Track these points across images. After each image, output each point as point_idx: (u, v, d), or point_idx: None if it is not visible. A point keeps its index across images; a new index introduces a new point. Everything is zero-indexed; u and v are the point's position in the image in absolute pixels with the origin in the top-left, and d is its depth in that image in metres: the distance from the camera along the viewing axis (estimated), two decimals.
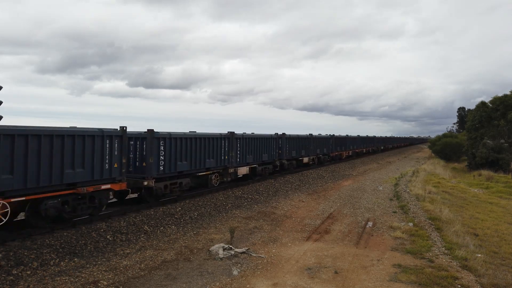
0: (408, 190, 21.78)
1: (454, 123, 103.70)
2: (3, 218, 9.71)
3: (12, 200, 9.99)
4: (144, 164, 14.84)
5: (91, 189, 12.00)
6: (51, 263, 9.42)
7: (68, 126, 12.18)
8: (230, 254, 10.15)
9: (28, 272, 8.79)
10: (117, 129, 13.21)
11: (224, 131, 20.74)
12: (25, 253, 9.50)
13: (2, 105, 9.45)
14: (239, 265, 9.57)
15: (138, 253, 10.41)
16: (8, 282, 8.25)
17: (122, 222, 12.76)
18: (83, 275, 8.72)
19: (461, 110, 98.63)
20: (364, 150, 55.90)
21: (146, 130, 14.94)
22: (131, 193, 16.09)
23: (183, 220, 14.14)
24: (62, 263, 9.52)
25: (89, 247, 10.65)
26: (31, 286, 8.12)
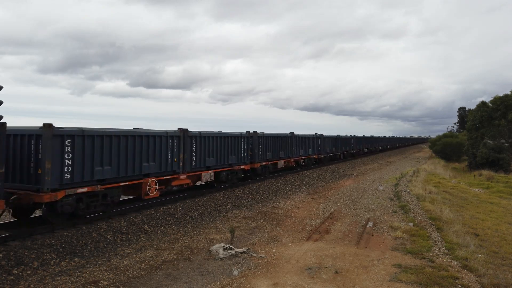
0: (408, 190, 21.76)
1: (455, 123, 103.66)
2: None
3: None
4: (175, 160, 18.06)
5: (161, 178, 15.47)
6: (52, 263, 9.43)
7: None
8: (230, 254, 10.15)
9: (29, 272, 8.80)
10: (176, 130, 16.41)
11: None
12: (26, 253, 9.51)
13: (2, 105, 9.46)
14: (239, 265, 9.57)
15: (139, 253, 10.41)
16: (8, 282, 8.26)
17: (122, 222, 12.77)
18: (83, 275, 8.73)
19: (461, 110, 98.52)
20: (380, 147, 70.91)
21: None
22: None
23: (184, 220, 14.14)
24: (62, 263, 9.53)
25: (89, 247, 10.66)
26: (31, 286, 8.13)
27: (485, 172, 34.58)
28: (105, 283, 8.28)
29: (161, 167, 15.10)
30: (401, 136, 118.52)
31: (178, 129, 16.38)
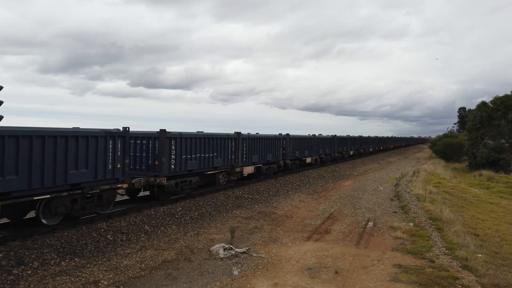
0: (408, 190, 21.76)
1: (455, 123, 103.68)
2: None
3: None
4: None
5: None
6: (52, 262, 9.43)
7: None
8: (230, 254, 10.15)
9: (29, 272, 8.80)
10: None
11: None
12: (26, 253, 9.51)
13: (3, 105, 9.46)
14: (239, 265, 9.57)
15: (139, 253, 10.41)
16: (9, 281, 8.26)
17: (122, 222, 12.77)
18: (83, 275, 8.73)
19: (461, 110, 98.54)
20: (392, 146, 79.67)
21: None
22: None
23: (184, 220, 14.14)
24: (62, 262, 9.53)
25: (89, 247, 10.66)
26: (31, 286, 8.13)
27: (485, 172, 34.60)
28: (105, 283, 8.28)
29: None
30: (400, 136, 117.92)
31: None
